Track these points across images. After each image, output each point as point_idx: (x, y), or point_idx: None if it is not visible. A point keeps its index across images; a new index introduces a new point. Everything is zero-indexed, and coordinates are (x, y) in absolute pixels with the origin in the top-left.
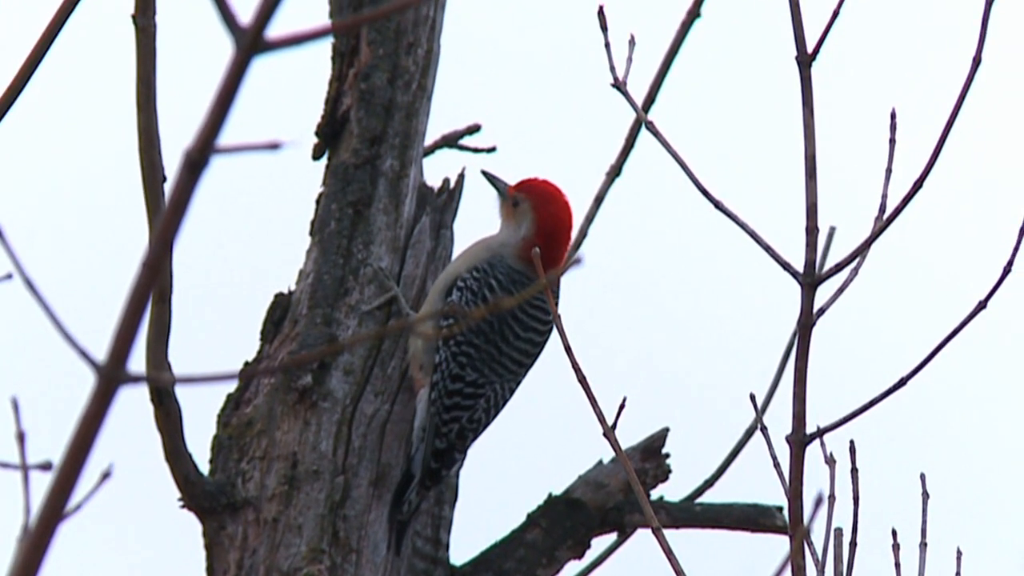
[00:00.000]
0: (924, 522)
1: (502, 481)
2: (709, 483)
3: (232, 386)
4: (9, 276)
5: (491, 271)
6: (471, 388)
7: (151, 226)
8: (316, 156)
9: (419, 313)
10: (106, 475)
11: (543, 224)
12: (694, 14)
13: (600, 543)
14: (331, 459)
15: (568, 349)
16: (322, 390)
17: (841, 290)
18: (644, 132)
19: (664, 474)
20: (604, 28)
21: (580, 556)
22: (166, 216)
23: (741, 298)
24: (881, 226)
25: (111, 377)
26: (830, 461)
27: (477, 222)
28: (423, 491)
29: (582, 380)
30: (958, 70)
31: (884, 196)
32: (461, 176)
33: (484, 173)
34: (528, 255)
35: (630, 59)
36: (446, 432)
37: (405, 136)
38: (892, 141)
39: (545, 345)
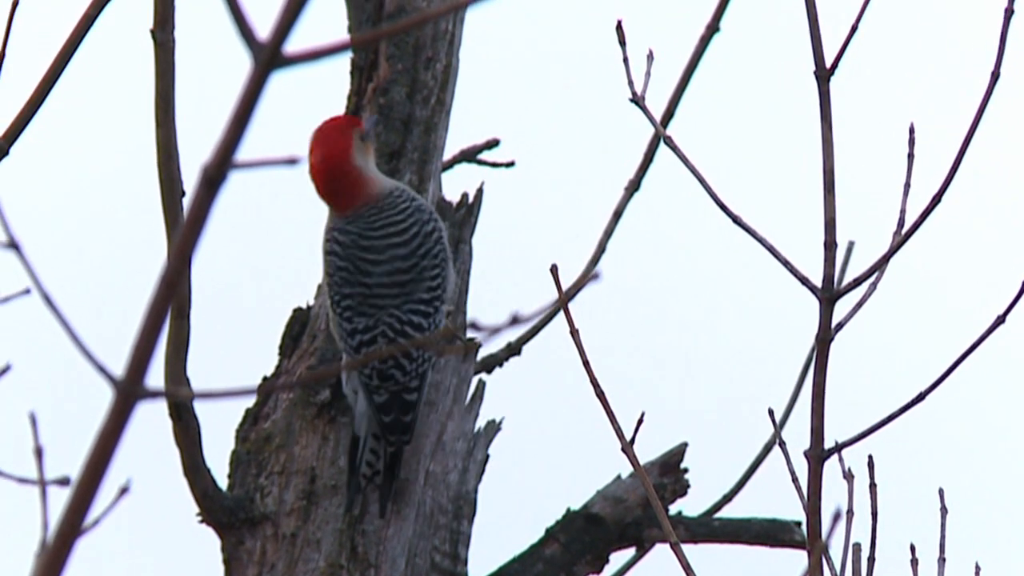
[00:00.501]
0: (943, 537)
1: (520, 496)
2: (727, 498)
3: (250, 401)
4: (27, 291)
5: (328, 237)
6: (367, 334)
7: (169, 241)
8: None
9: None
10: (124, 490)
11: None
12: (713, 28)
13: (618, 558)
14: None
15: (586, 363)
16: (340, 405)
17: (859, 305)
18: (662, 147)
19: (682, 489)
20: (622, 43)
21: (599, 571)
22: (184, 231)
23: (759, 313)
24: (899, 241)
25: (129, 392)
26: (848, 476)
27: (496, 236)
28: (390, 444)
29: (600, 395)
30: (977, 84)
31: (902, 211)
32: (480, 191)
33: None
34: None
35: (648, 74)
36: (376, 385)
37: (424, 151)
38: (910, 156)
39: (422, 247)
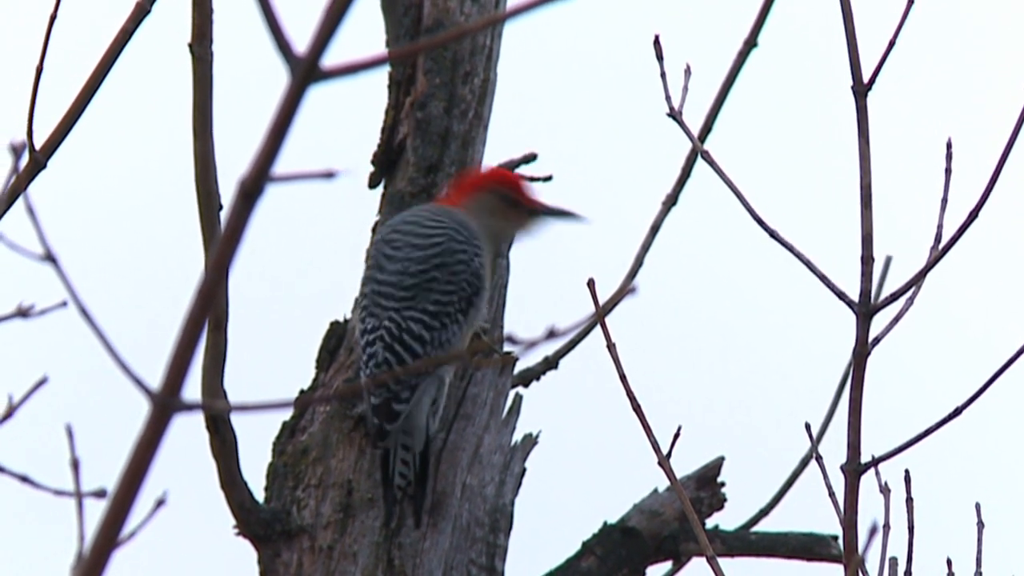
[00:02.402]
0: (979, 551)
1: (557, 509)
2: (764, 512)
3: (287, 414)
4: (64, 303)
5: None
6: (371, 334)
7: (206, 253)
8: (372, 185)
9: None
10: (160, 502)
11: None
12: (751, 43)
13: (655, 572)
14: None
15: (623, 377)
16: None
17: (896, 319)
18: (700, 161)
19: (719, 503)
20: (660, 57)
21: None
22: (221, 244)
23: (796, 327)
24: (936, 256)
25: (166, 405)
26: (885, 490)
27: (533, 250)
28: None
29: (637, 409)
30: (1014, 99)
31: (940, 226)
32: None
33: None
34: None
35: (686, 88)
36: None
37: (461, 165)
38: (948, 171)
39: (440, 259)
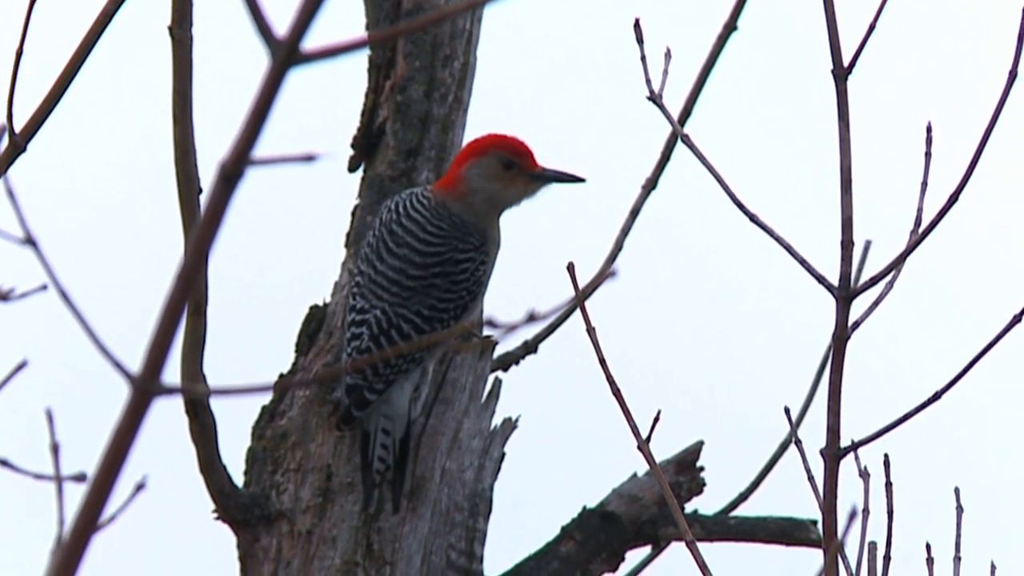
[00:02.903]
0: (958, 536)
1: (536, 494)
2: (743, 496)
3: (267, 398)
4: (44, 287)
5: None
6: (360, 315)
7: (186, 237)
8: (352, 168)
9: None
10: (140, 487)
11: None
12: (730, 27)
13: (634, 556)
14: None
15: (602, 362)
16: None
17: (876, 303)
18: (680, 145)
19: (698, 487)
20: (640, 41)
21: (614, 569)
22: (201, 227)
23: (776, 311)
24: (916, 239)
25: (145, 389)
26: (864, 475)
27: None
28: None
29: (616, 393)
30: (994, 84)
31: (919, 209)
32: None
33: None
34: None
35: (666, 72)
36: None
37: (441, 148)
38: (928, 154)
39: (439, 267)
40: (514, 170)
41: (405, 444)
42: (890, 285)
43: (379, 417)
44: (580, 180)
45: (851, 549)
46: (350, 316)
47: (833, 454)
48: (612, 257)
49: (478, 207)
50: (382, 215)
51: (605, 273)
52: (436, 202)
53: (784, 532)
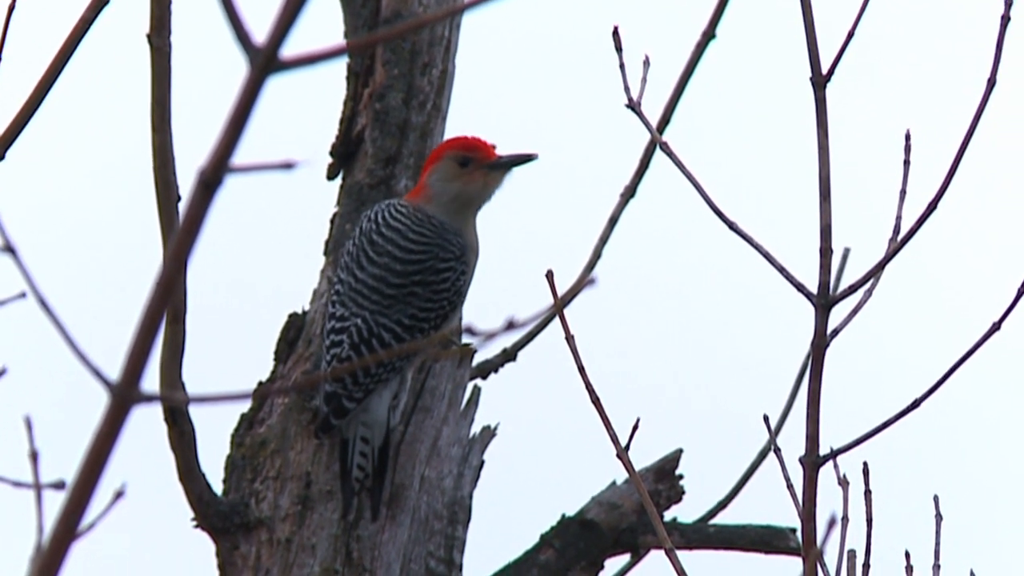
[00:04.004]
0: (937, 544)
1: (515, 501)
2: (722, 504)
3: (246, 406)
4: (23, 295)
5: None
6: (340, 323)
7: (165, 245)
8: (331, 176)
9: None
10: (119, 494)
11: None
12: (709, 35)
13: (613, 564)
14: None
15: (581, 369)
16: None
17: (855, 311)
18: (658, 153)
19: (678, 495)
20: (619, 48)
21: None
22: (180, 235)
23: (755, 319)
24: (895, 247)
25: (124, 396)
26: (843, 482)
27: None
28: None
29: (595, 401)
30: (973, 91)
31: (898, 217)
32: None
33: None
34: None
35: (645, 80)
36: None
37: (420, 156)
38: (907, 162)
39: (419, 275)
40: (470, 165)
41: (384, 452)
42: (869, 293)
43: (358, 425)
44: (533, 157)
45: (830, 557)
46: (330, 324)
47: (812, 462)
48: (591, 265)
49: (448, 209)
50: (361, 224)
51: (584, 281)
52: (413, 208)
53: (763, 540)
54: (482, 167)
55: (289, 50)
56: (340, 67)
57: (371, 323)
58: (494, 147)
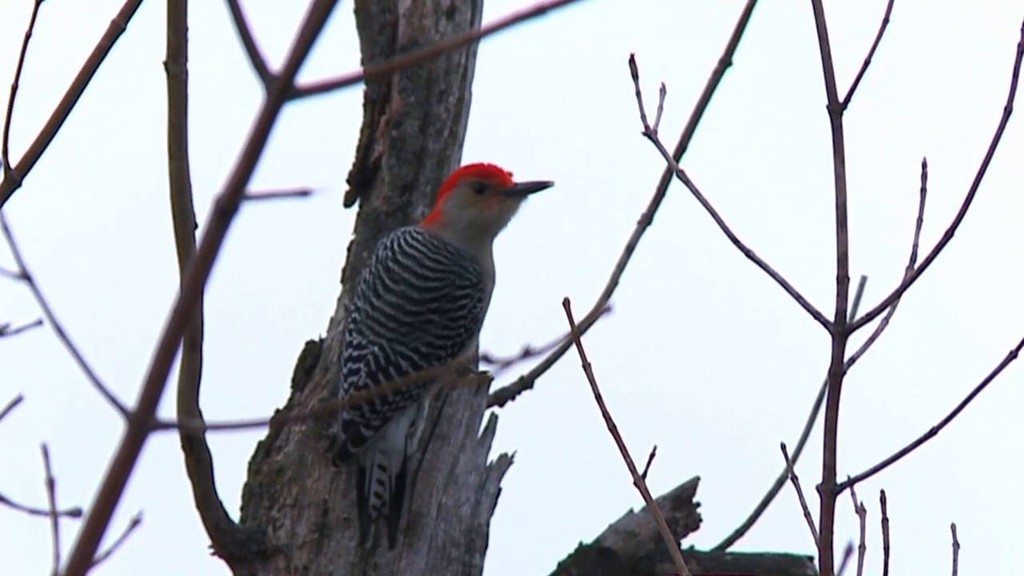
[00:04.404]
0: (955, 573)
1: (532, 529)
2: (740, 532)
3: (263, 433)
4: (39, 322)
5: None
6: (357, 351)
7: (182, 272)
8: (347, 203)
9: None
10: (136, 522)
11: None
12: (725, 63)
13: None
14: None
15: (599, 397)
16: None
17: (872, 339)
18: (675, 180)
19: (695, 523)
20: (635, 76)
21: None
22: (197, 262)
23: (772, 347)
24: (912, 275)
25: (141, 424)
26: (861, 511)
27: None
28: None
29: (612, 428)
30: (989, 119)
31: (915, 245)
32: None
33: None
34: None
35: (661, 107)
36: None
37: (436, 184)
38: (923, 190)
39: (435, 303)
40: (486, 192)
41: (401, 480)
42: (886, 321)
43: (375, 453)
44: (548, 185)
45: None
46: (347, 352)
47: (829, 490)
48: (608, 293)
49: (464, 235)
50: (378, 252)
51: (601, 309)
52: (429, 235)
53: (781, 568)
54: (498, 194)
55: (305, 77)
56: (357, 94)
57: (388, 351)
58: (510, 174)
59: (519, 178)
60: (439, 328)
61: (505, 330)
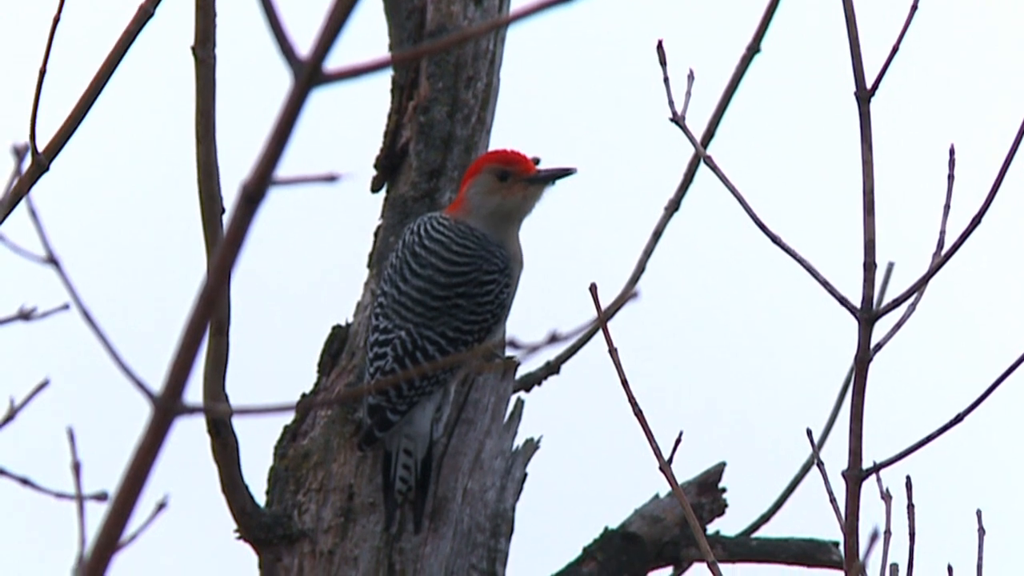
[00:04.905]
0: (980, 558)
1: (558, 514)
2: (765, 518)
3: (289, 418)
4: (66, 306)
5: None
6: (383, 335)
7: (209, 257)
8: (375, 189)
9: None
10: (161, 506)
11: None
12: (754, 49)
13: None
14: None
15: (625, 383)
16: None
17: (899, 325)
18: (702, 167)
19: (720, 508)
20: (663, 62)
21: None
22: (224, 247)
23: (798, 333)
24: (939, 262)
25: (167, 408)
26: (886, 497)
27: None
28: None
29: (638, 414)
30: (1017, 106)
31: (942, 232)
32: None
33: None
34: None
35: (689, 93)
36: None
37: (464, 169)
38: (951, 176)
39: (462, 288)
40: (509, 179)
41: (427, 464)
42: (912, 307)
43: (401, 437)
44: (572, 171)
45: (873, 571)
46: (373, 336)
47: (855, 476)
48: (635, 278)
49: (489, 222)
50: (404, 237)
51: (627, 294)
52: (455, 220)
53: (806, 553)
54: (521, 180)
55: (333, 63)
56: (385, 80)
57: (415, 335)
58: (535, 160)
59: (546, 164)
60: (466, 313)
61: (532, 315)
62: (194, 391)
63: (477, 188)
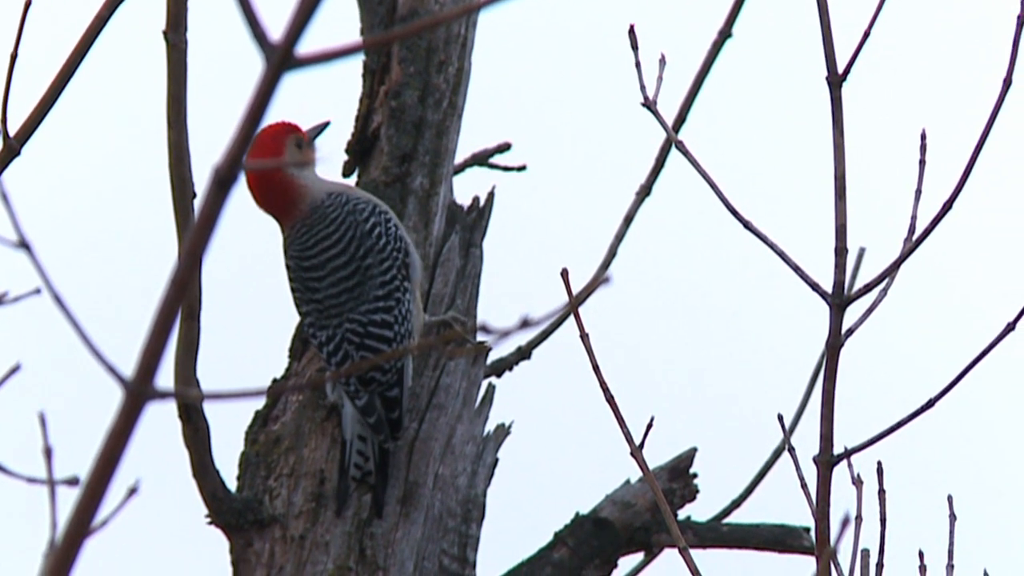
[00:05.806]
0: (951, 544)
1: (529, 499)
2: (736, 503)
3: (260, 403)
4: (38, 291)
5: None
6: (331, 344)
7: (180, 242)
8: (346, 173)
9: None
10: (133, 491)
11: None
12: (725, 34)
13: (627, 563)
14: None
15: (596, 368)
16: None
17: (870, 311)
18: (674, 152)
19: (691, 494)
20: (635, 47)
21: (607, 575)
22: (195, 232)
23: (769, 318)
24: (910, 247)
25: (139, 393)
26: (857, 482)
27: (507, 240)
28: (382, 445)
29: (610, 399)
30: (988, 91)
31: (914, 217)
32: (491, 194)
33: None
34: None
35: (660, 78)
36: (354, 391)
37: (435, 154)
38: (922, 162)
39: (361, 248)
40: (303, 145)
41: (384, 449)
42: (884, 292)
43: (355, 423)
44: (327, 124)
45: (844, 556)
46: (323, 351)
47: (826, 461)
48: (606, 263)
49: (317, 186)
50: (287, 264)
51: (599, 279)
52: (302, 219)
53: (777, 539)
54: (309, 140)
55: (305, 47)
56: (356, 65)
57: (359, 318)
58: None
59: (519, 148)
60: (377, 265)
61: (503, 301)
62: (165, 376)
63: (295, 165)
